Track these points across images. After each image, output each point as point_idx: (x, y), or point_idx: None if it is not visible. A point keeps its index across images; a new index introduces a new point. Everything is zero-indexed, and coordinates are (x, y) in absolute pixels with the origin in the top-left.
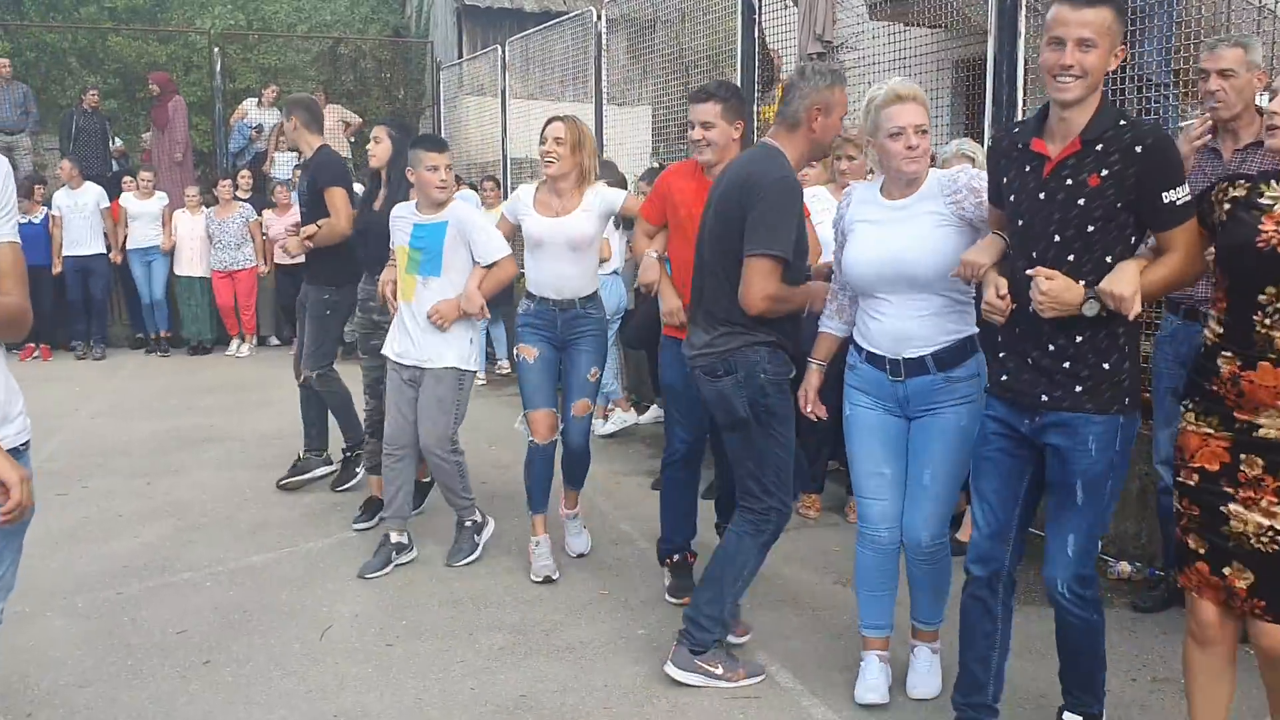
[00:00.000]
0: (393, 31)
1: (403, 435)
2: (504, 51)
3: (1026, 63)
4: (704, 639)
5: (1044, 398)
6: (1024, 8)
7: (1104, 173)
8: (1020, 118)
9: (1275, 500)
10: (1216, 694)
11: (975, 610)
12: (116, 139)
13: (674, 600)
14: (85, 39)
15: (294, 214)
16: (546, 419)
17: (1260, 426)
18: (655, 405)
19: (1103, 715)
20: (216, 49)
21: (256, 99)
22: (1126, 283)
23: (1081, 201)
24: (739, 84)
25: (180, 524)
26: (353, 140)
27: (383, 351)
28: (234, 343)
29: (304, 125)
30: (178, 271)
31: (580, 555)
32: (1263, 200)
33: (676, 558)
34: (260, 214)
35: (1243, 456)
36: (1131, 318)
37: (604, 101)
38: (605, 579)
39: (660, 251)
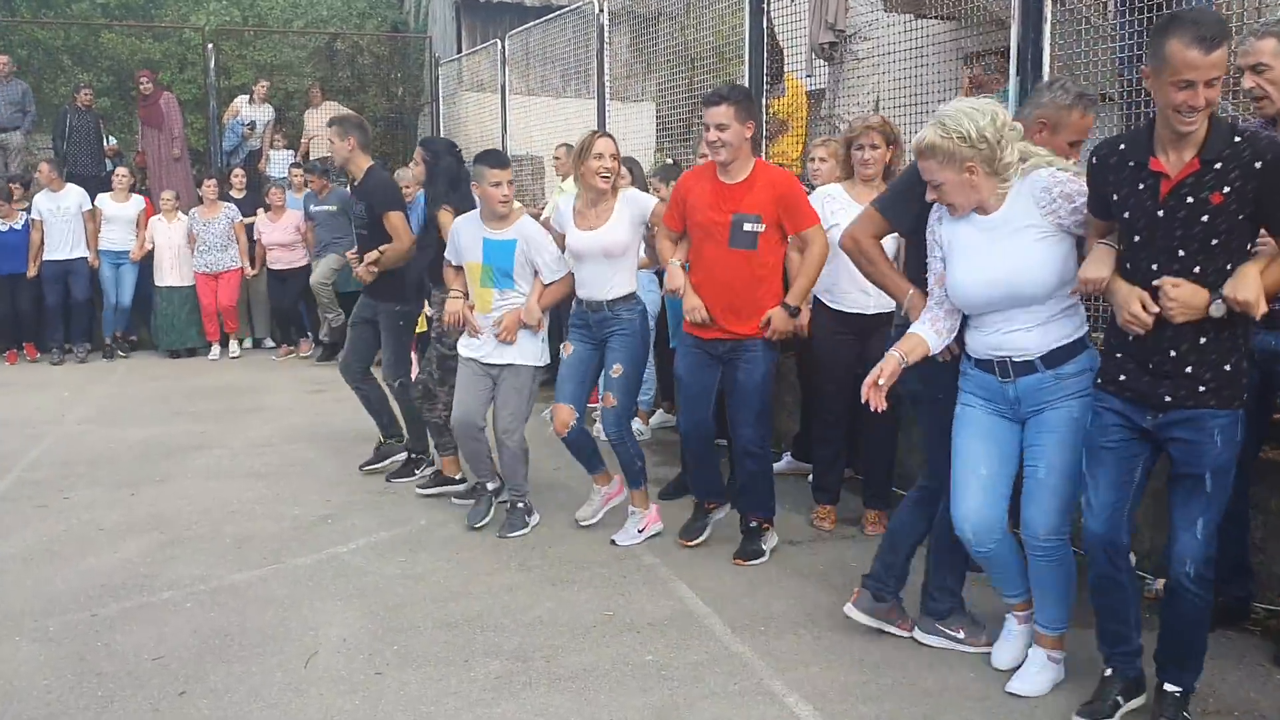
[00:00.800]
0: (390, 26)
1: (472, 415)
2: (504, 46)
3: (1053, 51)
4: (937, 608)
5: (1167, 398)
6: None
7: (1226, 190)
8: None
9: None
10: None
11: (1104, 586)
12: (111, 138)
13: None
14: (78, 36)
15: (290, 218)
16: (563, 412)
17: None
18: (660, 411)
19: (1195, 688)
20: (211, 45)
21: (248, 96)
22: (1250, 287)
23: (1205, 218)
24: (746, 77)
25: (163, 538)
26: None
27: (459, 350)
28: (215, 348)
29: (360, 146)
30: (157, 282)
31: (612, 543)
32: None
33: (696, 504)
34: (255, 213)
35: None
36: (1257, 318)
37: (606, 97)
38: (610, 599)
39: (683, 259)
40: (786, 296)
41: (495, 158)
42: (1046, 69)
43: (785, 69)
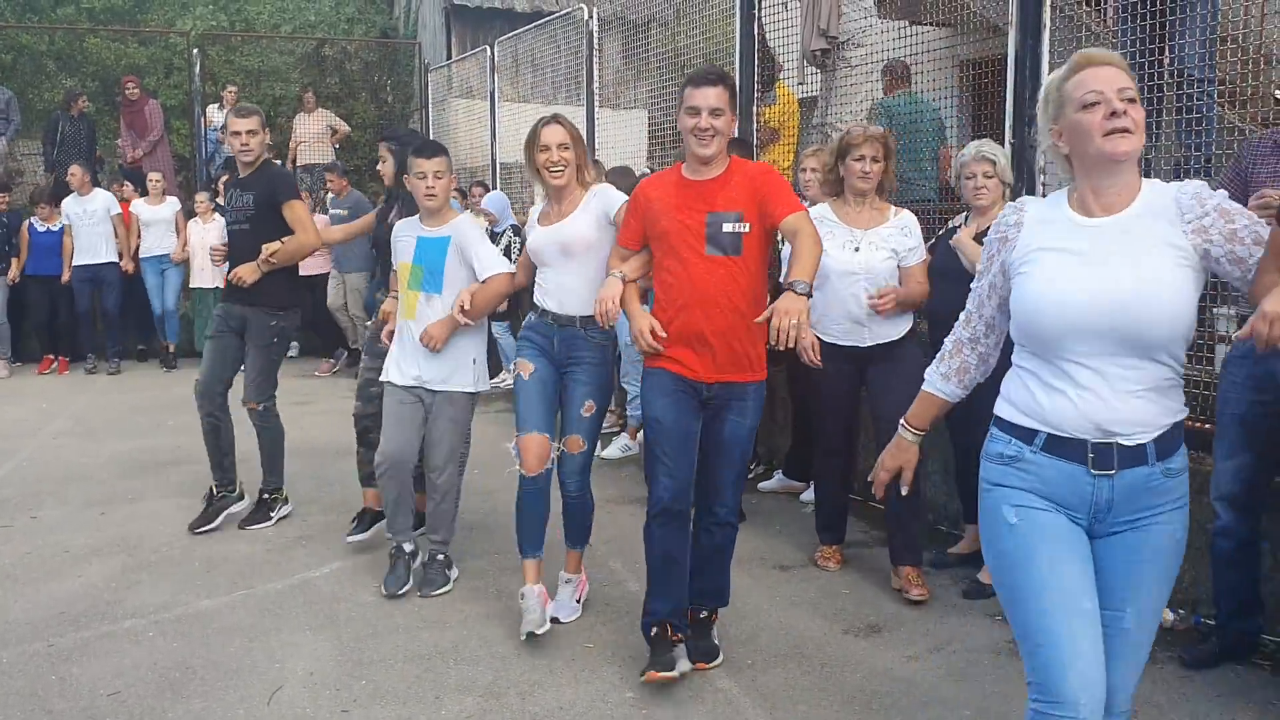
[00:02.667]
0: (379, 32)
1: (400, 452)
2: (493, 52)
3: (1052, 59)
4: None
5: None
6: (1048, 4)
7: None
8: None
9: None
10: None
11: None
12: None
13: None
14: (63, 41)
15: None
16: (538, 445)
17: None
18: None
19: None
20: (197, 50)
21: (218, 103)
22: None
23: None
24: (737, 85)
25: (129, 561)
26: (338, 147)
27: (383, 378)
28: None
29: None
30: (192, 284)
31: (554, 620)
32: None
33: (655, 631)
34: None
35: None
36: None
37: (596, 104)
38: (592, 628)
39: (629, 274)
40: (793, 274)
41: (423, 147)
42: (1045, 77)
43: (777, 77)
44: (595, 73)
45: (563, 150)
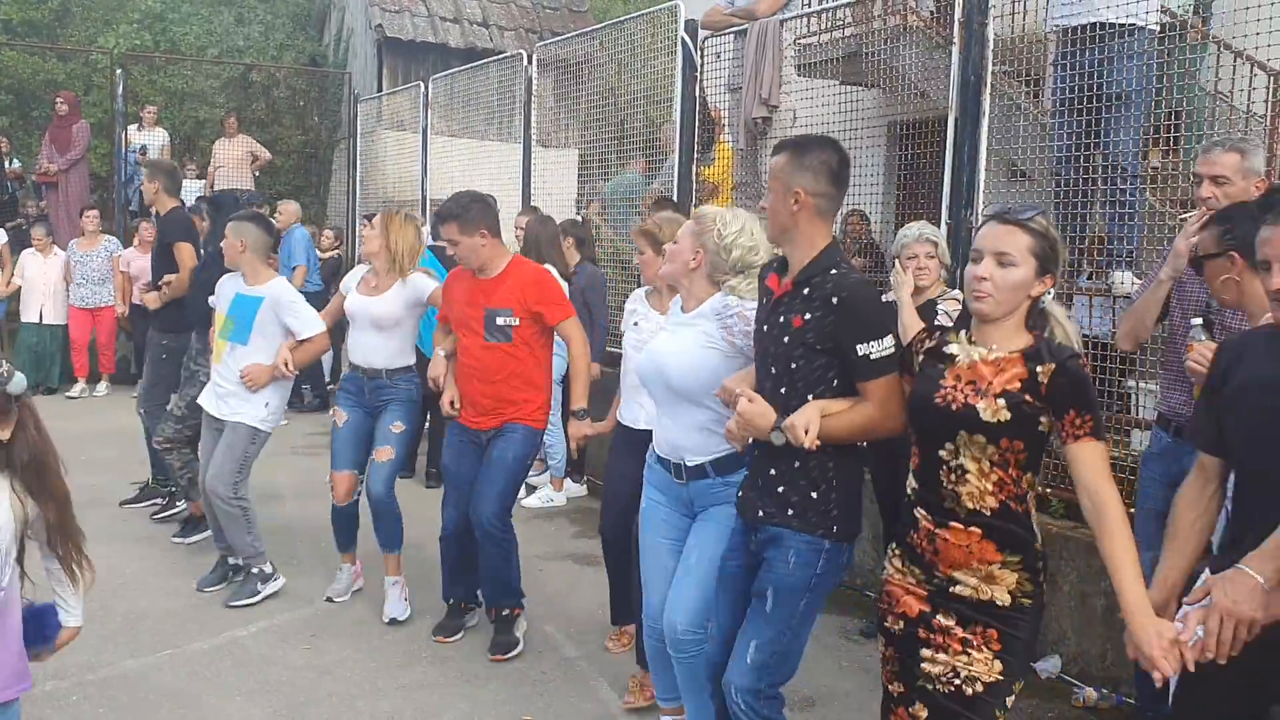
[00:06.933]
0: (309, 60)
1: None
2: (427, 88)
3: (990, 144)
4: None
5: (760, 513)
6: (988, 91)
7: (807, 316)
8: (980, 201)
9: (959, 648)
10: None
11: None
12: (14, 160)
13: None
14: None
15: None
16: (346, 481)
17: (958, 583)
18: (570, 480)
19: None
20: (119, 70)
21: (137, 124)
22: (802, 415)
23: (786, 339)
24: (677, 143)
25: None
26: (257, 175)
27: (198, 401)
28: (79, 384)
29: (164, 190)
30: (25, 318)
31: (393, 620)
32: (947, 351)
33: (452, 601)
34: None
35: (939, 610)
36: (806, 448)
37: (531, 144)
38: (529, 699)
39: (449, 350)
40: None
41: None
42: (983, 159)
43: (717, 138)
44: (532, 116)
45: (370, 226)
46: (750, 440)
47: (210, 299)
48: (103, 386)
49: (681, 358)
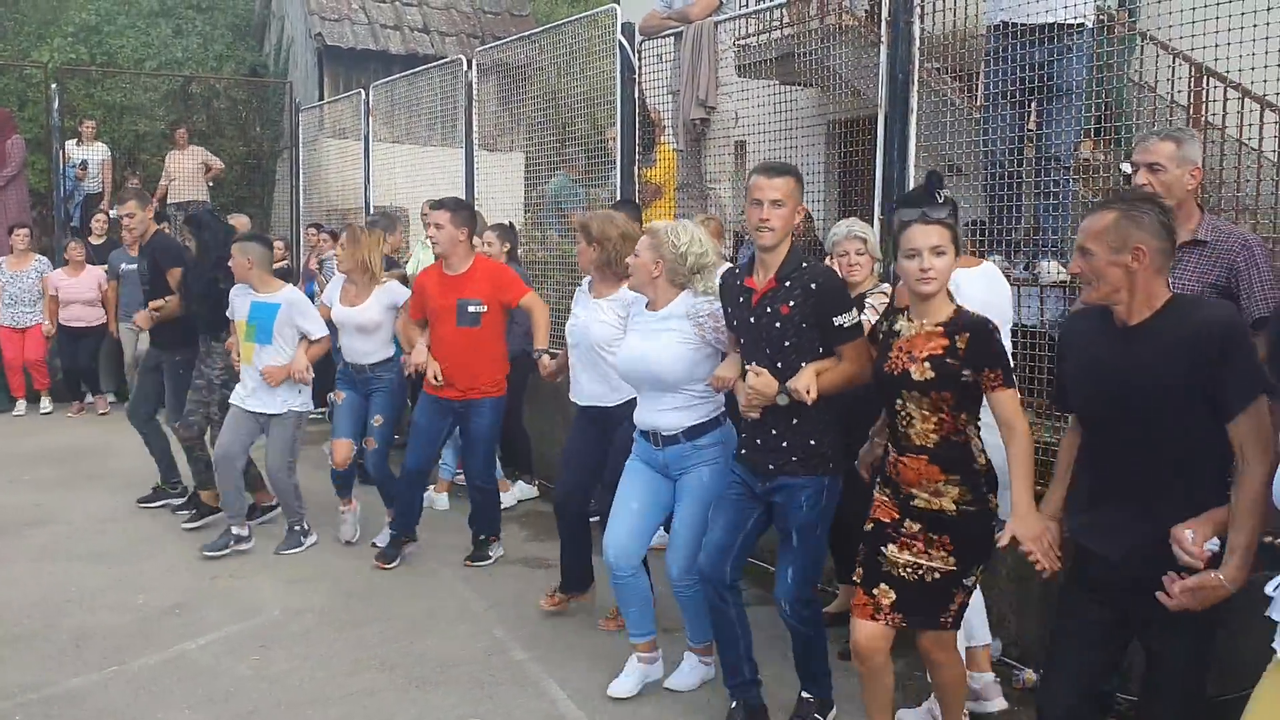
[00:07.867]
0: (249, 70)
1: (232, 453)
2: (368, 96)
3: (919, 141)
4: None
5: (770, 466)
6: (915, 88)
7: (791, 303)
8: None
9: (922, 549)
10: (878, 689)
11: (715, 619)
12: None
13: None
14: None
15: (90, 274)
16: (344, 448)
17: (915, 498)
18: (522, 482)
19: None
20: (54, 84)
21: (75, 138)
22: (802, 377)
23: (778, 325)
24: (619, 145)
25: None
26: (212, 185)
27: (231, 400)
28: (20, 403)
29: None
30: None
31: (348, 543)
32: (896, 328)
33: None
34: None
35: (906, 519)
36: (809, 402)
37: (474, 148)
38: (478, 702)
39: (427, 342)
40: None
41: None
42: (912, 155)
43: (658, 140)
44: (474, 121)
45: (336, 242)
46: (745, 417)
47: (227, 312)
48: (46, 403)
49: (664, 354)
